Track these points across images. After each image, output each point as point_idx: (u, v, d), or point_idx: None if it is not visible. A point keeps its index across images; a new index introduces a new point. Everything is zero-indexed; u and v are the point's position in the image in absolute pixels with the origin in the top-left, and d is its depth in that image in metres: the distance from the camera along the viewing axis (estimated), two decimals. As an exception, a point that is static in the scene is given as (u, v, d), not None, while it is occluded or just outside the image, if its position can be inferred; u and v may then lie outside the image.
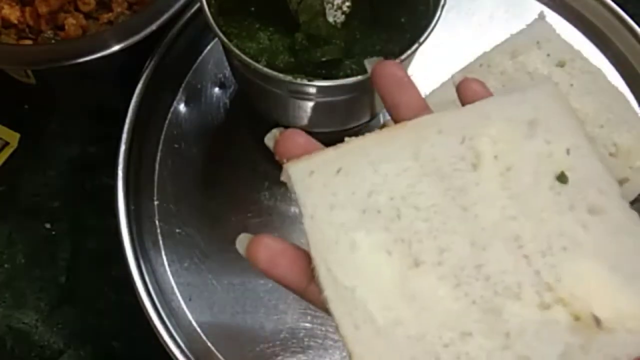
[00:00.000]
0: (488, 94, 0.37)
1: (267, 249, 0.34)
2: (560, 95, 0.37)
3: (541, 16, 0.61)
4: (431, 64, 0.56)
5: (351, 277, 0.33)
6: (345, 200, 0.34)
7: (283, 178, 0.36)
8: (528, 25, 0.60)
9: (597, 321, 0.32)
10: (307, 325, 0.51)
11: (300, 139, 0.36)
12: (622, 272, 0.33)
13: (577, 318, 0.32)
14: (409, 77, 0.38)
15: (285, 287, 0.34)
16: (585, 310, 0.32)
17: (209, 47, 0.61)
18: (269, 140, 0.37)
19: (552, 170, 0.35)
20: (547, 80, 0.37)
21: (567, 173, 0.35)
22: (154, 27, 0.53)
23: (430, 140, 0.36)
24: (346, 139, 0.37)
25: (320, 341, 0.51)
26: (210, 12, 0.46)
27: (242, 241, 0.35)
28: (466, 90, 0.37)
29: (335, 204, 0.34)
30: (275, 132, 0.37)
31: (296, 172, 0.36)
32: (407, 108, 0.37)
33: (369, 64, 0.39)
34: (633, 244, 0.34)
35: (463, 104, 0.36)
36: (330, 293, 0.33)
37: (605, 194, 0.35)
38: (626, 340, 0.32)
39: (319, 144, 0.36)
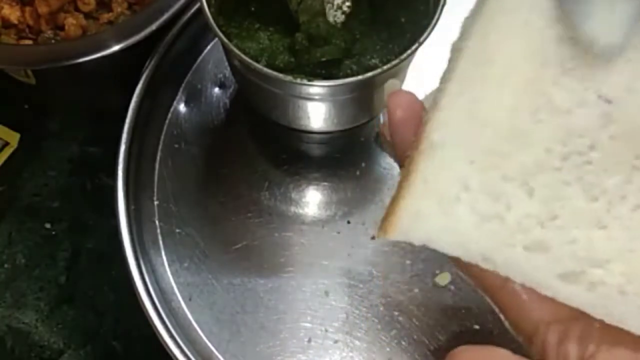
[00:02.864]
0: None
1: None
2: None
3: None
4: (431, 64, 0.56)
5: (501, 51, 0.30)
6: (519, 53, 0.31)
7: None
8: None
9: None
10: (307, 325, 0.51)
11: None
12: None
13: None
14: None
15: None
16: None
17: (209, 47, 0.61)
18: (389, 87, 0.34)
19: None
20: None
21: None
22: (154, 27, 0.53)
23: None
24: None
25: (320, 341, 0.51)
26: (210, 12, 0.46)
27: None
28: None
29: (525, 19, 0.31)
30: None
31: None
32: None
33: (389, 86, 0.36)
34: None
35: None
36: (470, 45, 0.30)
37: None
38: None
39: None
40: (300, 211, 0.55)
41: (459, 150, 0.30)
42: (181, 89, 0.60)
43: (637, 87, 0.31)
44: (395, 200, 0.30)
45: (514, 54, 0.31)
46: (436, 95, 0.31)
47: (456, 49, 0.32)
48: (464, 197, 0.29)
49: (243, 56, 0.45)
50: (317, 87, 0.46)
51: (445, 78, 0.32)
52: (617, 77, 0.31)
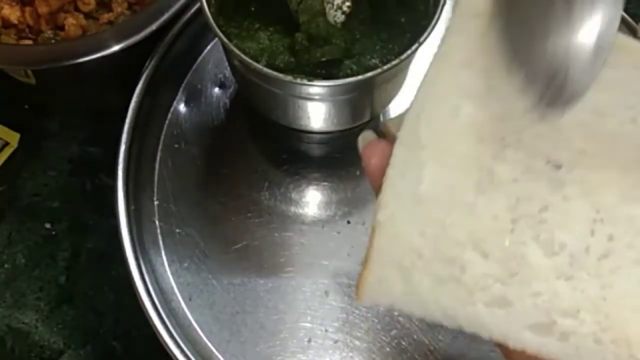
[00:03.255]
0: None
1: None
2: None
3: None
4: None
5: (432, 136, 0.31)
6: (484, 66, 0.31)
7: None
8: (528, 25, 0.60)
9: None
10: (307, 325, 0.51)
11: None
12: None
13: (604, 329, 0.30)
14: None
15: None
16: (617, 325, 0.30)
17: (209, 47, 0.61)
18: (363, 140, 0.35)
19: None
20: None
21: None
22: (154, 27, 0.53)
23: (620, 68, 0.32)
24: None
25: (320, 341, 0.51)
26: (210, 12, 0.46)
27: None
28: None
29: (472, 62, 0.31)
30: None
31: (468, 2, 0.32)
32: None
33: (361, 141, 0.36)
34: None
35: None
36: (403, 134, 0.31)
37: None
38: None
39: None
40: (300, 211, 0.55)
41: (408, 225, 0.31)
42: (181, 89, 0.60)
43: (590, 149, 0.32)
44: (363, 268, 0.31)
45: (447, 135, 0.32)
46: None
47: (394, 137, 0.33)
48: (419, 264, 0.31)
49: (243, 56, 0.45)
50: (317, 87, 0.46)
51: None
52: (568, 142, 0.32)
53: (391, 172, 0.31)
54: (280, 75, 0.44)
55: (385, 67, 0.44)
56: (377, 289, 0.31)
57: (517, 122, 0.31)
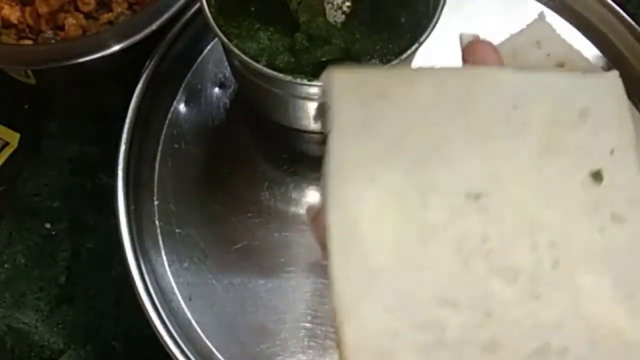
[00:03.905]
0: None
1: None
2: (621, 90, 0.36)
3: (541, 16, 0.61)
4: (431, 64, 0.56)
5: (359, 209, 0.31)
6: (377, 129, 0.32)
7: (322, 80, 0.33)
8: (528, 25, 0.60)
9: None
10: (307, 325, 0.51)
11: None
12: (623, 288, 0.32)
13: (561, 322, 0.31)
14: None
15: None
16: (577, 315, 0.31)
17: (209, 47, 0.61)
18: (464, 38, 0.35)
19: (589, 164, 0.34)
20: (614, 72, 0.35)
21: (604, 173, 0.34)
22: (154, 27, 0.53)
23: (483, 95, 0.34)
24: (401, 67, 0.34)
25: (320, 341, 0.51)
26: (210, 12, 0.46)
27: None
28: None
29: (367, 130, 0.32)
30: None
31: (339, 81, 0.33)
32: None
33: (465, 38, 0.36)
34: None
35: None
36: (332, 219, 0.31)
37: (634, 205, 0.34)
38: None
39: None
40: (300, 211, 0.55)
41: (370, 308, 0.31)
42: (181, 89, 0.60)
43: (495, 168, 0.32)
44: None
45: (372, 206, 0.32)
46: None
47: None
48: (398, 342, 0.30)
49: (243, 56, 0.45)
50: (317, 87, 0.46)
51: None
52: (476, 169, 0.32)
53: (334, 267, 0.31)
54: (280, 75, 0.44)
55: (385, 67, 0.44)
56: None
57: (426, 169, 0.32)
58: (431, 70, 0.34)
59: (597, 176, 0.33)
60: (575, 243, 0.32)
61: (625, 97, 0.36)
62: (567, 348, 0.31)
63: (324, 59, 0.47)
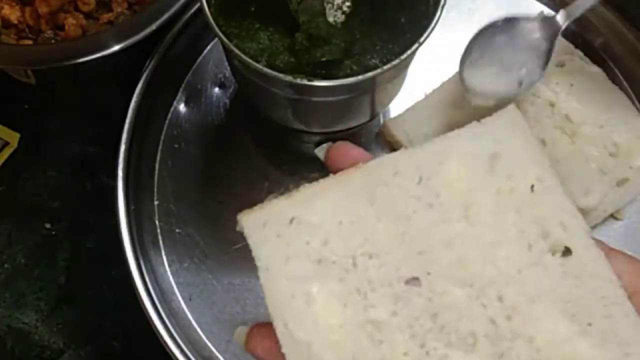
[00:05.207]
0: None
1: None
2: (523, 124, 0.36)
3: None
4: (431, 64, 0.56)
5: (307, 331, 0.32)
6: (300, 251, 0.34)
7: (238, 228, 0.35)
8: (528, 25, 0.60)
9: None
10: (307, 325, 0.51)
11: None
12: (579, 320, 0.32)
13: None
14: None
15: None
16: None
17: (209, 47, 0.61)
18: (320, 151, 0.36)
19: (513, 207, 0.34)
20: (510, 108, 0.36)
21: (529, 210, 0.34)
22: (154, 27, 0.53)
23: (386, 182, 0.35)
24: (301, 187, 0.36)
25: (320, 341, 0.51)
26: (210, 12, 0.46)
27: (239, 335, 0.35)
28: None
29: (289, 256, 0.34)
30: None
31: (249, 224, 0.35)
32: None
33: (320, 151, 0.38)
34: (593, 287, 0.33)
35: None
36: (287, 349, 0.32)
37: (569, 231, 0.34)
38: None
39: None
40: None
41: None
42: (181, 89, 0.60)
43: (421, 247, 0.34)
44: None
45: (317, 322, 0.33)
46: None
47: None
48: None
49: (243, 56, 0.45)
50: (317, 87, 0.46)
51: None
52: (403, 254, 0.33)
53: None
54: (280, 75, 0.44)
55: (385, 67, 0.44)
56: None
57: (357, 272, 0.33)
58: (331, 179, 0.35)
59: (521, 214, 0.33)
60: (522, 289, 0.32)
61: (527, 128, 0.36)
62: None
63: (324, 59, 0.47)
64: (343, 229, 0.34)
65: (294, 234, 0.34)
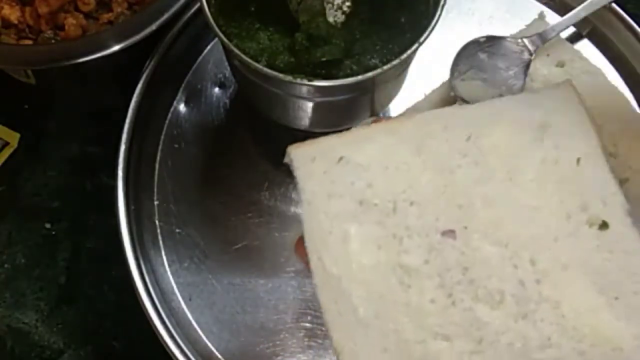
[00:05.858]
0: None
1: None
2: (577, 100, 0.36)
3: (541, 16, 0.61)
4: (431, 64, 0.56)
5: (340, 267, 0.33)
6: (344, 190, 0.34)
7: (286, 160, 0.36)
8: (528, 25, 0.60)
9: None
10: (307, 325, 0.51)
11: None
12: (607, 293, 0.32)
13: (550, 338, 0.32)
14: None
15: None
16: (563, 327, 0.32)
17: (209, 47, 0.61)
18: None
19: (557, 176, 0.34)
20: (565, 83, 0.36)
21: (573, 183, 0.34)
22: (154, 27, 0.53)
23: (435, 135, 0.35)
24: (352, 128, 0.37)
25: (320, 341, 0.51)
26: (210, 12, 0.46)
27: None
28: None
29: (333, 193, 0.34)
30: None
31: (298, 156, 0.36)
32: None
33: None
34: (625, 263, 0.33)
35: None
36: (319, 280, 0.33)
37: (609, 207, 0.34)
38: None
39: None
40: (300, 211, 0.55)
41: (368, 351, 0.33)
42: (181, 89, 0.60)
43: (461, 200, 0.34)
44: None
45: (350, 259, 0.35)
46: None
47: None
48: None
49: (243, 56, 0.45)
50: (317, 87, 0.46)
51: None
52: (443, 206, 0.35)
53: (328, 317, 0.33)
54: (280, 75, 0.44)
55: (385, 67, 0.44)
56: None
57: (397, 217, 0.34)
58: (382, 125, 0.36)
59: (564, 185, 0.34)
60: (556, 256, 0.33)
61: (582, 104, 0.36)
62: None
63: (324, 59, 0.47)
64: (388, 174, 0.35)
65: (341, 172, 0.35)
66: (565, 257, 0.33)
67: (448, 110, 0.36)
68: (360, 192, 0.35)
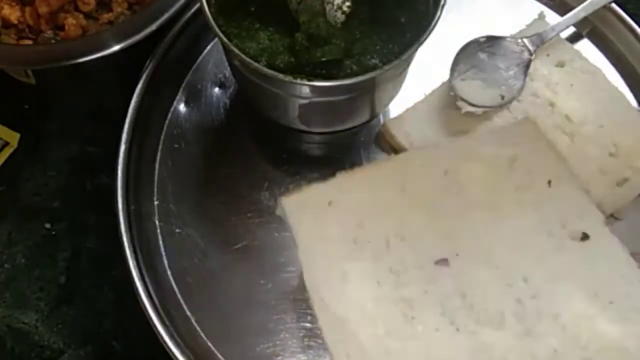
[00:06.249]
0: None
1: None
2: (540, 133, 0.39)
3: (541, 16, 0.61)
4: (431, 64, 0.56)
5: (343, 307, 0.34)
6: (337, 232, 0.36)
7: (278, 212, 0.38)
8: (528, 25, 0.60)
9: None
10: (307, 325, 0.51)
11: None
12: (601, 299, 0.33)
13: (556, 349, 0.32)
14: None
15: None
16: (566, 337, 0.32)
17: (209, 47, 0.61)
18: None
19: (533, 199, 0.36)
20: (526, 120, 0.39)
21: (547, 202, 0.36)
22: (154, 27, 0.53)
23: (414, 172, 0.37)
24: (337, 174, 0.39)
25: (320, 341, 0.51)
26: (210, 12, 0.46)
27: None
28: None
29: (327, 236, 0.36)
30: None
31: (290, 205, 0.38)
32: None
33: None
34: (611, 268, 0.34)
35: None
36: (323, 322, 0.34)
37: (586, 220, 0.36)
38: None
39: None
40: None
41: None
42: (181, 89, 0.60)
43: (449, 230, 0.36)
44: None
45: (353, 297, 0.36)
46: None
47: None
48: None
49: (243, 56, 0.45)
50: (317, 87, 0.46)
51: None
52: (433, 237, 0.36)
53: (336, 356, 0.35)
54: (280, 75, 0.44)
55: (385, 67, 0.44)
56: None
57: (391, 252, 0.36)
58: (366, 169, 0.38)
59: (540, 206, 0.36)
60: (546, 270, 0.34)
61: (544, 136, 0.39)
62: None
63: (324, 59, 0.47)
64: (377, 212, 0.36)
65: (332, 215, 0.36)
66: (555, 270, 0.35)
67: (423, 149, 0.39)
68: (352, 232, 0.36)
